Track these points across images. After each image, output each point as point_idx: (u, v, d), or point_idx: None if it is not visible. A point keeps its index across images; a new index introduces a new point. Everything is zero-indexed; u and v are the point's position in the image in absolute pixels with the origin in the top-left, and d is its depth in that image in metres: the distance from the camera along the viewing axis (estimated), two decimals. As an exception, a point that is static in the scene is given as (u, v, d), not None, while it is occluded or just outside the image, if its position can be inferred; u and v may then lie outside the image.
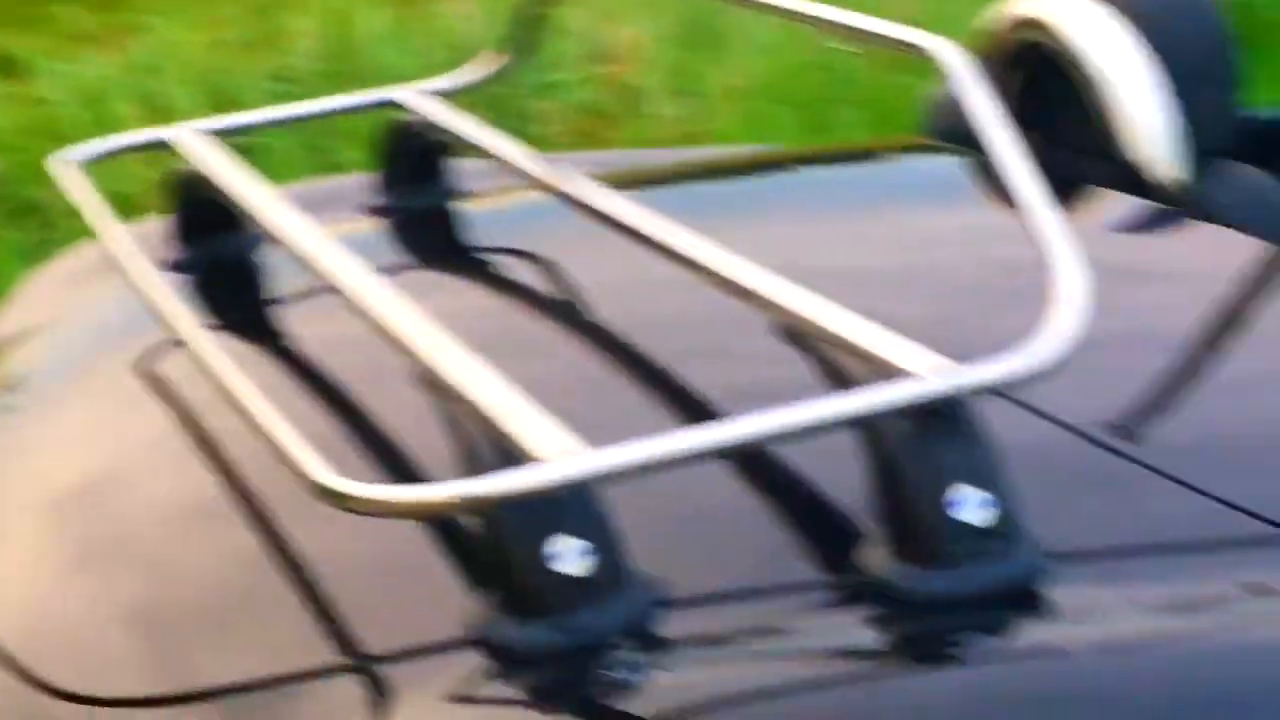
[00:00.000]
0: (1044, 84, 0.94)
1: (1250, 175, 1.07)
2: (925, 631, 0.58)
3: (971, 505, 0.56)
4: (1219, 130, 1.10)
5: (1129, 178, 1.05)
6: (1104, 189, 1.02)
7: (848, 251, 0.94)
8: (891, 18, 0.77)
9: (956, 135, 1.12)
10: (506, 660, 0.55)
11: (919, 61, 0.72)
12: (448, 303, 0.81)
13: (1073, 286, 0.57)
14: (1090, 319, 0.56)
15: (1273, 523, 0.62)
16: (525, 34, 1.04)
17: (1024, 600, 0.57)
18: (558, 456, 0.53)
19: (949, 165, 1.17)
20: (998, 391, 0.57)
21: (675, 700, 0.54)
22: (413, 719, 0.54)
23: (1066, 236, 0.59)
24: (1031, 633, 0.59)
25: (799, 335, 0.73)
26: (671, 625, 0.56)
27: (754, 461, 0.66)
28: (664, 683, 0.56)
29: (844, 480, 0.61)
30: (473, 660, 0.55)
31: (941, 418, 0.56)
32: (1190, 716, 0.53)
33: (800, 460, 0.65)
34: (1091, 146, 1.07)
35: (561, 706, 0.56)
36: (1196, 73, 1.09)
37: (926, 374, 0.57)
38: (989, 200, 1.05)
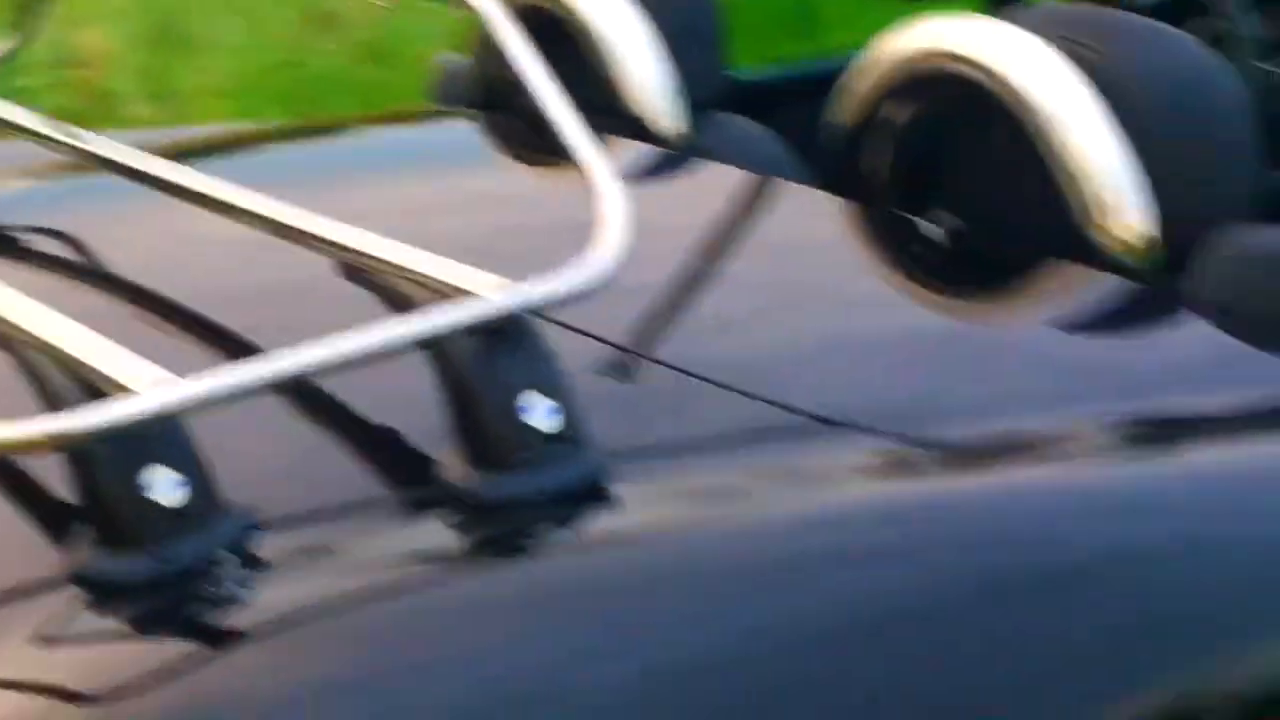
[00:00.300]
0: (551, 46, 1.01)
1: (741, 123, 1.20)
2: (501, 532, 0.62)
3: (538, 413, 0.60)
4: (707, 85, 1.22)
5: (634, 129, 1.15)
6: (615, 137, 1.11)
7: (386, 207, 0.97)
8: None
9: (464, 99, 1.27)
10: (106, 593, 0.55)
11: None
12: (8, 269, 0.85)
13: (615, 212, 0.64)
14: (631, 239, 0.63)
15: (805, 413, 0.72)
16: (29, 17, 1.05)
17: (591, 499, 0.63)
18: (147, 388, 0.54)
19: (467, 126, 1.28)
20: (555, 305, 0.62)
21: (269, 617, 0.56)
22: (7, 662, 0.54)
23: (607, 169, 0.66)
24: (600, 527, 0.64)
25: (367, 272, 0.75)
26: (265, 548, 0.57)
27: (336, 387, 0.68)
28: (259, 603, 0.57)
29: (421, 400, 0.64)
30: (71, 596, 0.56)
31: (505, 334, 0.61)
32: (743, 590, 0.60)
33: (380, 383, 0.66)
34: (599, 103, 1.15)
35: (162, 634, 0.57)
36: (685, 33, 1.20)
37: (488, 294, 0.61)
38: (518, 154, 1.19)
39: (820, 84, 1.24)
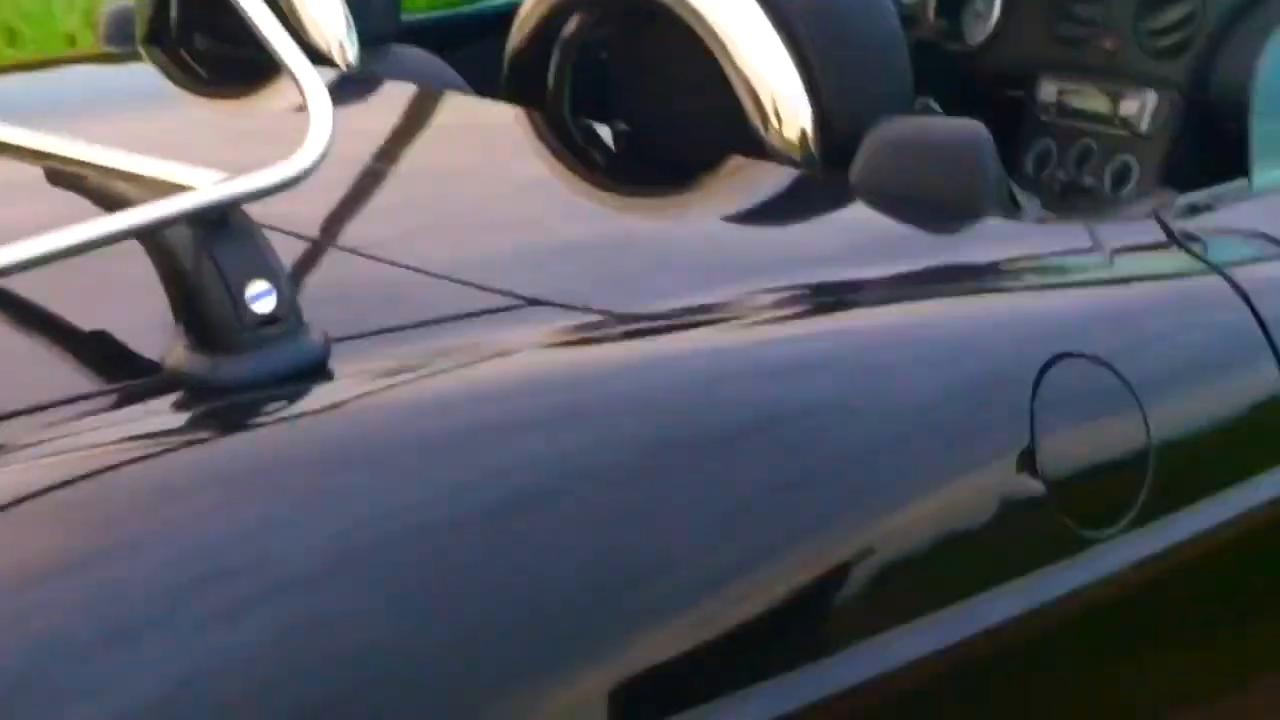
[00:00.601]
0: None
1: (414, 53, 1.30)
2: (228, 411, 0.67)
3: (258, 297, 0.65)
4: (382, 23, 1.33)
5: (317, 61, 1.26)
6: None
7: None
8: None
9: (131, 39, 1.35)
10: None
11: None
12: None
13: (319, 116, 0.70)
14: (332, 139, 0.69)
15: (499, 294, 0.79)
16: None
17: (307, 377, 0.68)
18: None
19: (144, 66, 1.37)
20: (268, 195, 0.67)
21: None
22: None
23: (315, 79, 0.72)
24: (315, 403, 0.68)
25: (86, 177, 0.77)
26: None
27: (67, 280, 0.70)
28: None
29: (146, 290, 0.69)
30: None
31: (224, 225, 0.65)
32: (428, 460, 0.66)
33: (108, 275, 0.72)
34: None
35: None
36: None
37: (205, 188, 0.65)
38: (205, 82, 1.36)
39: (497, 21, 1.37)
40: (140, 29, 1.39)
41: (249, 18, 0.73)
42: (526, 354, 0.74)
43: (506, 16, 1.30)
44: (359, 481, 0.63)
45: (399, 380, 0.71)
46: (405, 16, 1.51)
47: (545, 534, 0.64)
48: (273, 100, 1.19)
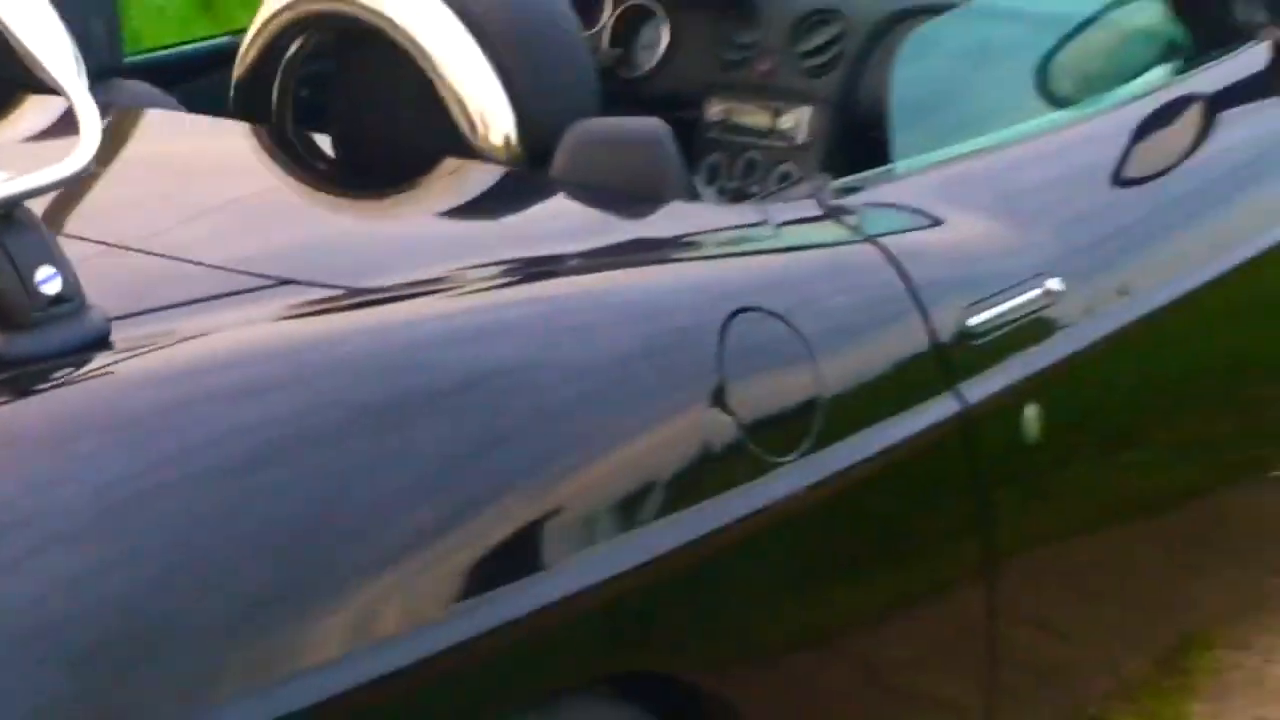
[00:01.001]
0: None
1: (135, 85, 1.38)
2: (17, 381, 0.76)
3: (46, 280, 0.75)
4: (107, 57, 1.44)
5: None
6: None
7: None
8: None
9: None
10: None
11: None
12: None
13: (88, 123, 0.82)
14: (98, 144, 0.81)
15: (248, 275, 0.93)
16: None
17: (96, 349, 0.78)
18: None
19: None
20: (48, 191, 0.79)
21: None
22: None
23: (84, 94, 0.85)
24: (92, 371, 0.78)
25: None
26: None
27: None
28: None
29: None
30: None
31: (9, 217, 0.75)
32: (165, 424, 0.74)
33: None
34: None
35: None
36: (81, 5, 1.34)
37: None
38: None
39: (220, 56, 1.53)
40: None
41: (19, 44, 0.86)
42: (264, 327, 0.85)
43: (228, 52, 1.42)
44: (114, 443, 0.73)
45: (155, 351, 0.81)
46: (133, 56, 1.63)
47: (271, 488, 0.73)
48: (33, 117, 1.32)
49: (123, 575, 0.67)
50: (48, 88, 1.39)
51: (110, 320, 0.79)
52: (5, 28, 0.93)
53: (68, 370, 0.78)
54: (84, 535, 0.68)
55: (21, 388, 0.76)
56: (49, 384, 0.78)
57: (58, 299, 0.76)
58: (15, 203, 0.76)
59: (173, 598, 0.68)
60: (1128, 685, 1.55)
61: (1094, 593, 1.29)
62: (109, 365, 0.80)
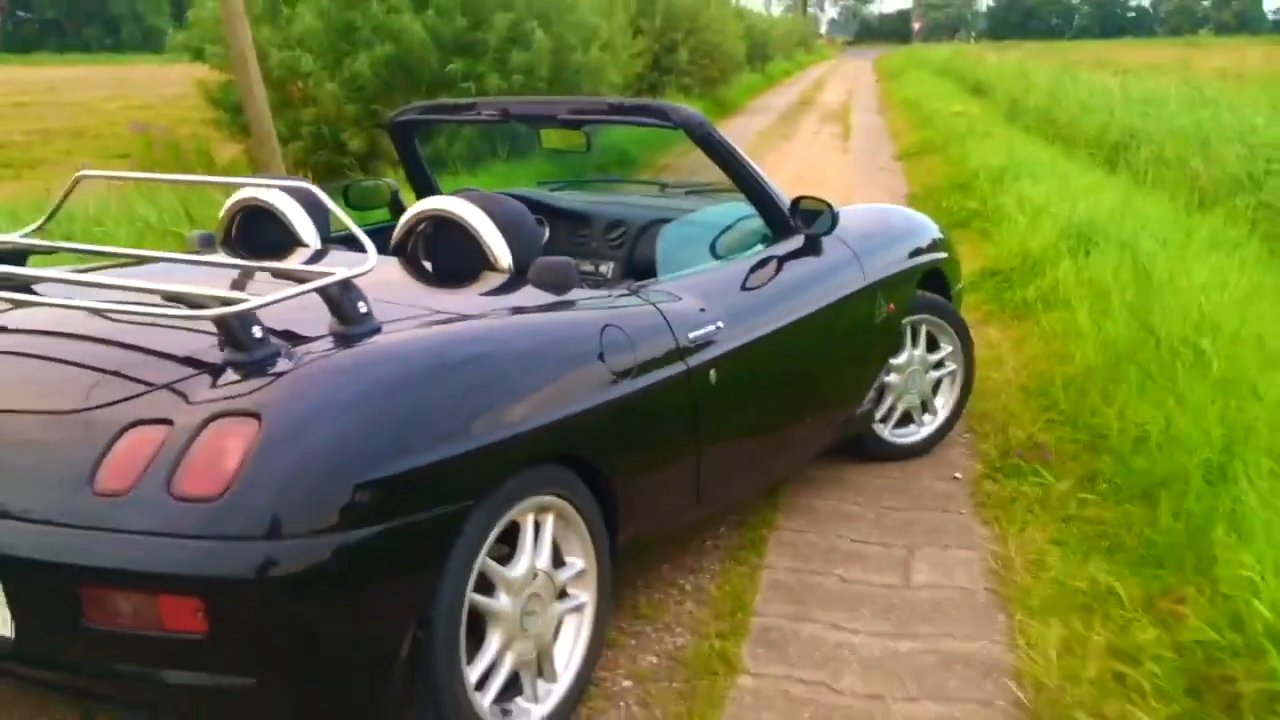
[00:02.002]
0: None
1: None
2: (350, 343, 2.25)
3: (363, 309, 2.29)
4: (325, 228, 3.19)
5: None
6: None
7: None
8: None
9: None
10: None
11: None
12: None
13: (370, 250, 2.41)
14: (375, 260, 2.37)
15: None
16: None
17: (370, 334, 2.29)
18: None
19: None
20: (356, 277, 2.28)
21: None
22: None
23: (365, 236, 2.46)
24: None
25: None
26: None
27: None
28: None
29: None
30: None
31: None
32: None
33: None
34: None
35: None
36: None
37: None
38: None
39: (387, 230, 3.19)
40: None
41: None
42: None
43: (389, 228, 3.19)
44: (392, 366, 2.19)
45: (413, 330, 2.36)
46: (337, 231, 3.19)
47: (443, 394, 2.19)
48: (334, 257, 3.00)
49: (397, 413, 2.07)
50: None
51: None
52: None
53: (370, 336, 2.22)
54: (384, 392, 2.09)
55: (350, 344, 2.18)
56: (360, 343, 2.19)
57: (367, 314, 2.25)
58: (338, 284, 2.21)
59: (411, 428, 2.08)
60: (742, 509, 3.40)
61: (745, 449, 3.10)
62: (384, 338, 2.23)
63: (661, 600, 3.08)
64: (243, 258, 3.03)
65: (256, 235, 3.21)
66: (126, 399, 2.05)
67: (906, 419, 4.14)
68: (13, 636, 2.02)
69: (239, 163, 12.28)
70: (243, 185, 3.13)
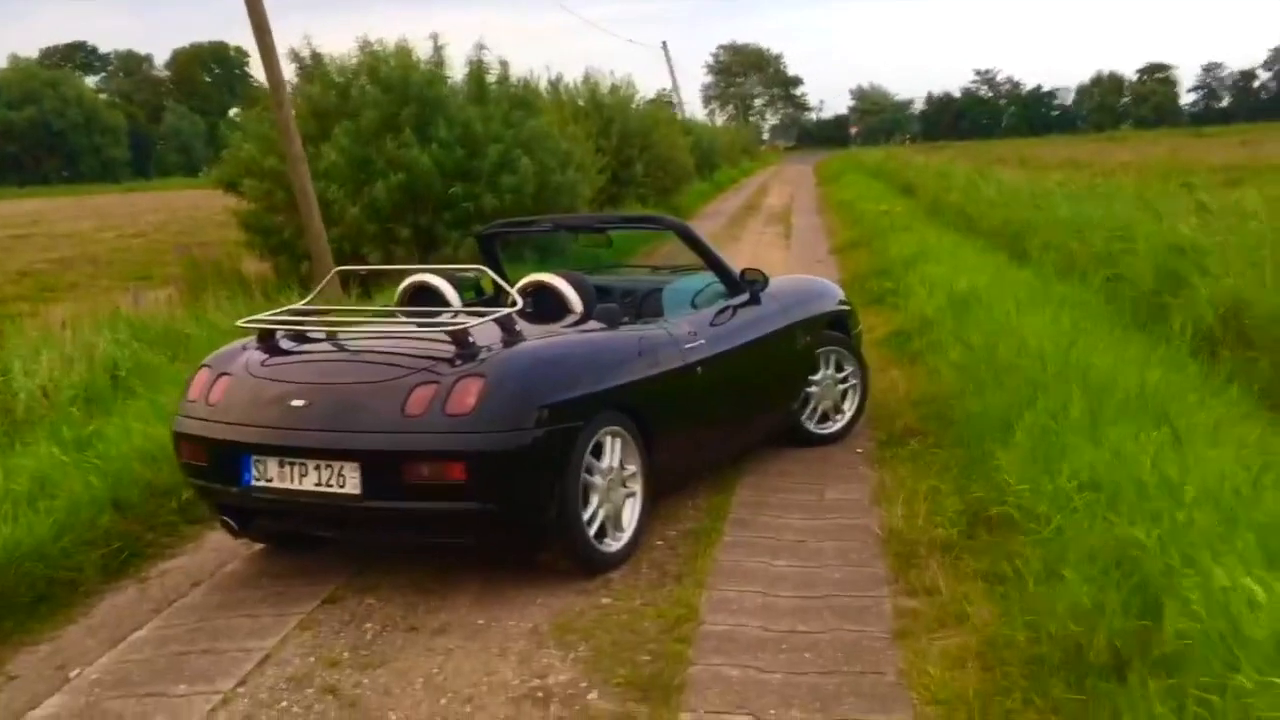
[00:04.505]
0: None
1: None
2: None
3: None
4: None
5: None
6: None
7: None
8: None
9: None
10: None
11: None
12: None
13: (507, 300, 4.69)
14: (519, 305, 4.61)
15: None
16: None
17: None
18: None
19: None
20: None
21: None
22: None
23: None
24: None
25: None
26: None
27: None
28: None
29: None
30: None
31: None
32: None
33: None
34: None
35: None
36: None
37: None
38: None
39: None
40: None
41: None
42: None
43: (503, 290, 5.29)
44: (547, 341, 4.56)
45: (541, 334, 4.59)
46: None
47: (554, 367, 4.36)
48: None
49: (546, 375, 4.20)
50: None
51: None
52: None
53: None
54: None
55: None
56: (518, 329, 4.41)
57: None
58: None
59: (551, 383, 4.19)
60: (716, 472, 5.48)
61: (721, 419, 5.19)
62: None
63: (677, 508, 5.12)
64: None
65: (422, 301, 5.27)
66: (414, 371, 4.12)
67: (825, 417, 6.23)
68: (361, 493, 4.03)
69: (267, 278, 14.35)
70: (440, 270, 5.27)
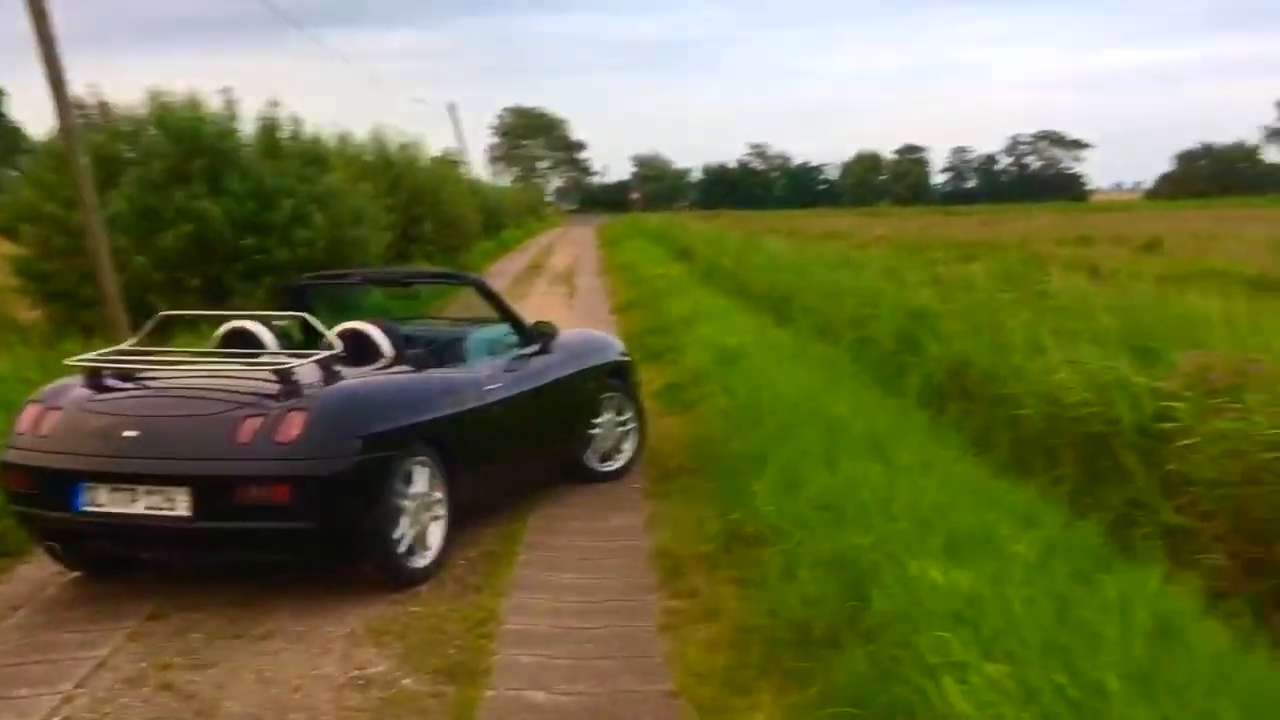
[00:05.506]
0: None
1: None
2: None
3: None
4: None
5: None
6: None
7: None
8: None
9: None
10: None
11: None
12: None
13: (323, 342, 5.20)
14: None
15: None
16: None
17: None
18: None
19: None
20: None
21: None
22: None
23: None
24: None
25: None
26: None
27: None
28: None
29: None
30: None
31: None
32: None
33: None
34: None
35: None
36: None
37: None
38: None
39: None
40: None
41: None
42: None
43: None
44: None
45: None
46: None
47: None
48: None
49: (359, 410, 4.86)
50: None
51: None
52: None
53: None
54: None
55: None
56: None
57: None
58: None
59: (366, 417, 4.90)
60: (511, 506, 6.14)
61: (515, 454, 5.85)
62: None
63: (477, 533, 5.72)
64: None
65: (238, 345, 5.71)
66: (243, 405, 4.60)
67: (607, 456, 6.97)
68: (191, 515, 4.47)
69: (41, 324, 14.07)
70: (257, 317, 5.67)
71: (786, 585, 4.39)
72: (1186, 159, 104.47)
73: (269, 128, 15.65)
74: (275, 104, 15.82)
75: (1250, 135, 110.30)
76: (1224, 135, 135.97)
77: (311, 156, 15.88)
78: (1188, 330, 7.09)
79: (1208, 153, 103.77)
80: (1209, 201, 71.17)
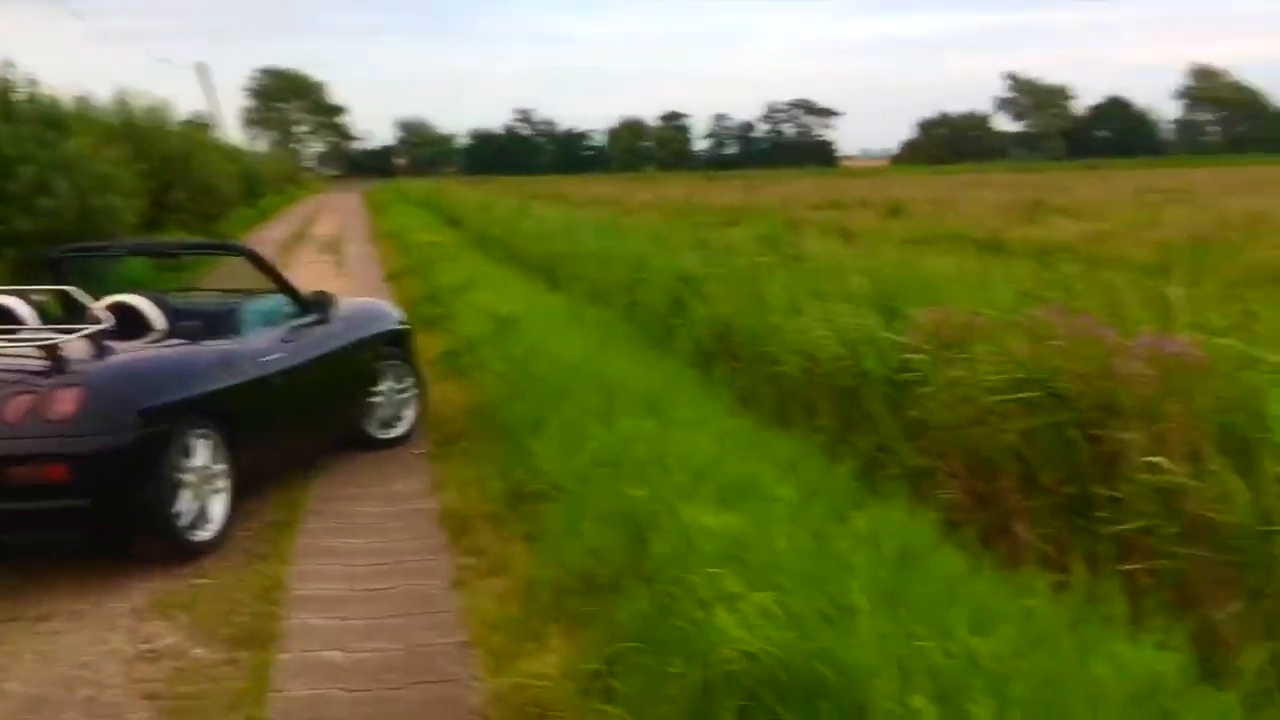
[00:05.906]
0: None
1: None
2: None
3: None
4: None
5: None
6: None
7: None
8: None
9: None
10: None
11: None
12: None
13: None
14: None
15: None
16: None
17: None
18: None
19: None
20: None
21: None
22: None
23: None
24: None
25: None
26: None
27: None
28: None
29: None
30: None
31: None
32: None
33: None
34: None
35: None
36: None
37: None
38: None
39: None
40: None
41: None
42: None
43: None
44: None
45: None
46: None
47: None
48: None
49: (135, 383, 4.82)
50: None
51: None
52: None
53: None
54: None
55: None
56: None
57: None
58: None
59: (141, 390, 4.85)
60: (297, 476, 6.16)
61: (295, 423, 5.86)
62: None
63: (260, 504, 5.71)
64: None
65: None
66: (7, 383, 4.46)
67: (388, 424, 7.03)
68: None
69: None
70: (13, 291, 5.43)
71: (571, 538, 4.64)
72: (927, 127, 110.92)
73: (2, 89, 14.61)
74: (9, 64, 14.79)
75: (983, 105, 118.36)
76: (962, 104, 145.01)
77: (51, 120, 14.93)
78: (927, 290, 7.73)
79: (945, 121, 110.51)
80: (946, 167, 76.08)
